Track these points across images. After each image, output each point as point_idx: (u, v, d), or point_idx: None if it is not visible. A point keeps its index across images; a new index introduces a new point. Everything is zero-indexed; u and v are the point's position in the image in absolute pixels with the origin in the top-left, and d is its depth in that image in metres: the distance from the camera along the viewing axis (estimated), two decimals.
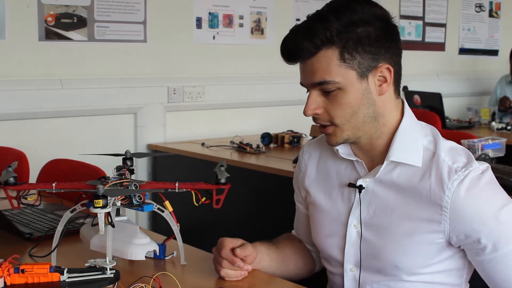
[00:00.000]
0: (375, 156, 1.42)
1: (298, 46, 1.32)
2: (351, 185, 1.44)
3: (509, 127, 4.23)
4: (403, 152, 1.37)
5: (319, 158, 1.54)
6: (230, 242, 1.43)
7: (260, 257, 1.49)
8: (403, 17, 4.80)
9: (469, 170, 1.32)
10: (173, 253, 1.56)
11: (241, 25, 3.83)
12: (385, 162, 1.38)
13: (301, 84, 1.39)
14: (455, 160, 1.35)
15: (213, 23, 3.70)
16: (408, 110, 1.42)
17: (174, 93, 3.54)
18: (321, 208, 1.51)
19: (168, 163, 3.45)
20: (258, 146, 3.20)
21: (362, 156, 1.44)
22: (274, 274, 1.51)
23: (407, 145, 1.38)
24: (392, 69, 1.36)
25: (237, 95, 3.83)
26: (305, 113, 1.37)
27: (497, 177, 1.38)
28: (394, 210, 1.38)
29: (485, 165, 1.36)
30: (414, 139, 1.39)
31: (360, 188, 1.42)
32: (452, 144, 1.41)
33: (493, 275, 1.36)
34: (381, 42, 1.33)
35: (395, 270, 1.39)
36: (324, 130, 1.39)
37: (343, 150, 1.45)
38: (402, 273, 1.39)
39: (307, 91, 1.38)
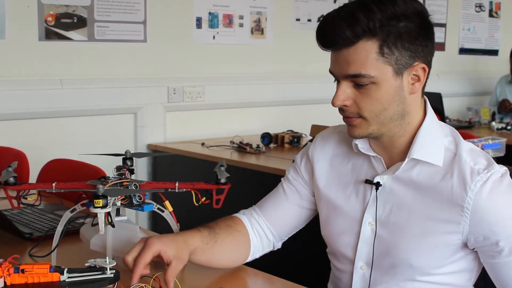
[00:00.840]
0: (394, 153, 1.41)
1: (339, 33, 1.28)
2: (368, 181, 1.42)
3: (509, 127, 4.23)
4: (425, 150, 1.36)
5: (333, 152, 1.52)
6: (156, 250, 1.30)
7: (194, 254, 1.39)
8: None
9: (491, 172, 1.32)
10: None
11: (241, 25, 3.83)
12: (406, 159, 1.37)
13: (331, 72, 1.35)
14: (476, 161, 1.34)
15: (213, 23, 3.70)
16: (430, 109, 1.41)
17: (174, 93, 3.54)
18: (333, 204, 1.49)
19: (168, 163, 3.45)
20: (258, 146, 3.20)
21: (381, 152, 1.42)
22: (198, 264, 1.44)
23: (429, 144, 1.37)
24: (427, 69, 1.35)
25: (237, 95, 3.83)
26: (333, 104, 1.33)
27: None
28: (412, 209, 1.37)
29: (504, 168, 1.36)
30: (436, 138, 1.38)
31: (378, 185, 1.40)
32: (471, 145, 1.40)
33: (505, 279, 1.36)
34: (419, 40, 1.31)
35: (409, 270, 1.38)
36: (350, 120, 1.36)
37: (362, 145, 1.43)
38: (415, 273, 1.38)
39: (335, 81, 1.35)
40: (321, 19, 1.34)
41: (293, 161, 1.56)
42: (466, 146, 1.39)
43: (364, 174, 1.45)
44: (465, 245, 1.36)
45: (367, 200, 1.43)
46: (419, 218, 1.36)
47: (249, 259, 1.55)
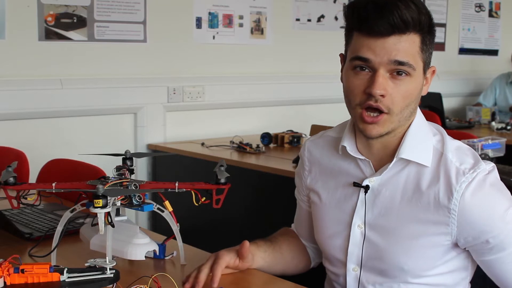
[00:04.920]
0: (383, 155, 1.40)
1: (402, 16, 1.26)
2: (356, 184, 1.42)
3: (509, 127, 4.23)
4: (414, 150, 1.36)
5: (321, 156, 1.52)
6: (226, 260, 1.43)
7: (254, 262, 1.49)
8: None
9: (476, 172, 1.32)
10: (173, 253, 1.56)
11: (241, 25, 3.83)
12: (394, 159, 1.36)
13: (364, 59, 1.29)
14: (462, 161, 1.34)
15: (213, 23, 3.70)
16: (419, 110, 1.42)
17: (174, 93, 3.54)
18: (324, 208, 1.49)
19: (168, 163, 3.45)
20: (258, 146, 3.20)
21: (368, 155, 1.41)
22: (266, 272, 1.51)
23: (418, 143, 1.37)
24: (436, 72, 1.39)
25: (237, 95, 3.83)
26: (373, 91, 1.28)
27: None
28: (400, 211, 1.37)
29: (491, 165, 1.35)
30: (424, 138, 1.38)
31: (367, 188, 1.40)
32: (458, 143, 1.40)
33: (500, 274, 1.36)
34: (434, 43, 1.36)
35: (400, 272, 1.38)
36: (375, 119, 1.31)
37: (350, 148, 1.42)
38: (407, 276, 1.38)
39: (363, 69, 1.30)
40: (362, 4, 1.30)
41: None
42: (453, 144, 1.39)
43: (352, 177, 1.44)
44: (455, 245, 1.36)
45: (356, 203, 1.43)
46: (408, 221, 1.36)
47: (312, 264, 1.64)
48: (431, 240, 1.35)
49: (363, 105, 1.32)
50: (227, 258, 1.42)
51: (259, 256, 1.50)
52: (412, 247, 1.36)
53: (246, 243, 1.44)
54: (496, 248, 1.32)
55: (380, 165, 1.41)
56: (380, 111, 1.31)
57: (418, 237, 1.35)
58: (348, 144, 1.42)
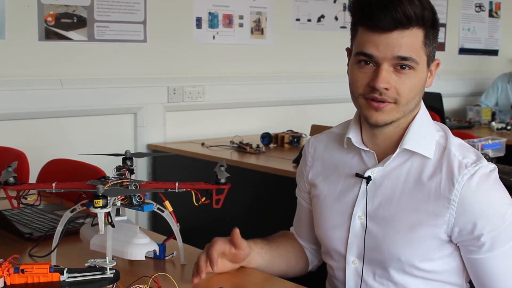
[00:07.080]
0: (386, 147, 1.42)
1: (405, 12, 1.28)
2: (358, 175, 1.43)
3: (509, 127, 4.23)
4: (417, 142, 1.38)
5: (324, 151, 1.54)
6: (222, 245, 1.44)
7: (252, 257, 1.49)
8: None
9: (478, 167, 1.34)
10: (173, 253, 1.56)
11: (241, 25, 3.83)
12: (397, 150, 1.38)
13: (365, 54, 1.32)
14: (465, 155, 1.37)
15: (213, 23, 3.70)
16: (423, 104, 1.44)
17: (174, 93, 3.54)
18: (325, 200, 1.50)
19: (168, 163, 3.45)
20: (258, 146, 3.20)
21: (373, 146, 1.43)
22: (263, 272, 1.51)
23: (421, 136, 1.39)
24: (440, 66, 1.41)
25: (237, 95, 3.83)
26: (376, 85, 1.31)
27: None
28: (400, 202, 1.39)
29: (493, 166, 1.38)
30: (428, 131, 1.41)
31: (368, 179, 1.42)
32: (461, 141, 1.43)
33: (483, 275, 1.37)
34: (438, 37, 1.38)
35: (397, 263, 1.39)
36: (382, 106, 1.33)
37: (355, 139, 1.44)
38: (405, 267, 1.39)
39: (362, 63, 1.33)
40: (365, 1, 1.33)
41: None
42: (456, 140, 1.41)
43: (355, 168, 1.46)
44: (450, 240, 1.37)
45: (357, 194, 1.44)
46: (407, 211, 1.38)
47: (310, 267, 1.64)
48: (428, 231, 1.36)
49: (366, 96, 1.35)
50: (222, 243, 1.43)
51: (256, 251, 1.50)
52: (409, 237, 1.37)
53: (236, 230, 1.45)
54: (485, 247, 1.33)
55: (384, 157, 1.42)
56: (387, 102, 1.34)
57: (416, 227, 1.36)
58: (353, 136, 1.44)
